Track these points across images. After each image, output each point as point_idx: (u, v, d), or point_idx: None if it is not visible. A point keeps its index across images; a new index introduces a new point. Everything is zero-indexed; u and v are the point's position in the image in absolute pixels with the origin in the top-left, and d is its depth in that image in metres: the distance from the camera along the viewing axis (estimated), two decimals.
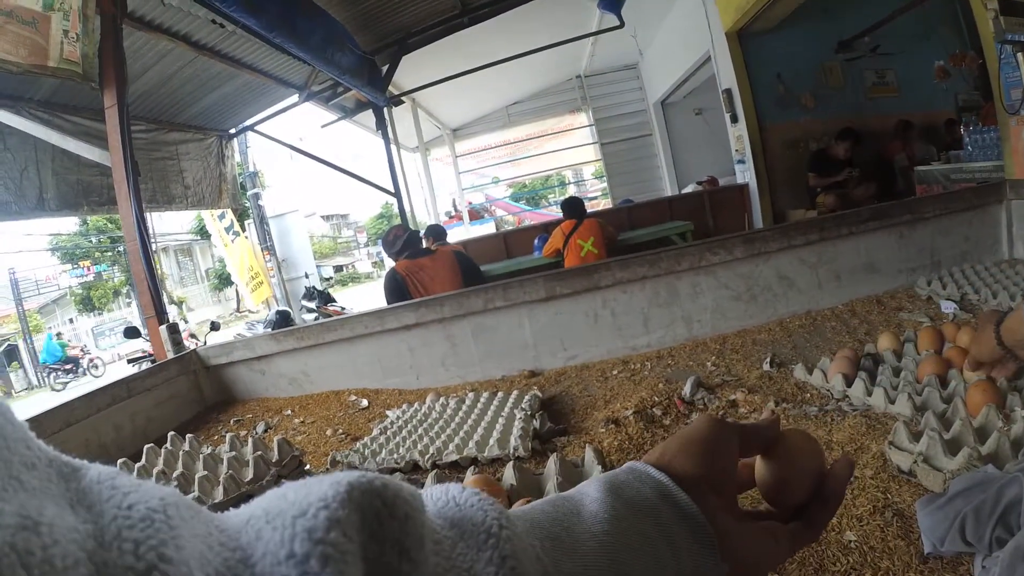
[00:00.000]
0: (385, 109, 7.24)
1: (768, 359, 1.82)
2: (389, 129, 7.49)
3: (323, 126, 7.85)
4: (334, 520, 0.28)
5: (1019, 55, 2.42)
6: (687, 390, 1.68)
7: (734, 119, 6.73)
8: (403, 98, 7.95)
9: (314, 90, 6.76)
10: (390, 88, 6.92)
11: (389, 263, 3.96)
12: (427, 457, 1.56)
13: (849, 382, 1.47)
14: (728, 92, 6.63)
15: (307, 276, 11.70)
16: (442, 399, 2.03)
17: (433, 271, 3.66)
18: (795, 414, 1.41)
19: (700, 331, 2.25)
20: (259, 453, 1.57)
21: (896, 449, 1.10)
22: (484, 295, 2.29)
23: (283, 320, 8.53)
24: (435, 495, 0.40)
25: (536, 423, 1.64)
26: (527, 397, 1.83)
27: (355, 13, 5.30)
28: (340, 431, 2.03)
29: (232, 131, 7.28)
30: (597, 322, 2.27)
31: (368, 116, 7.45)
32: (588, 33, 7.41)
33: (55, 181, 4.89)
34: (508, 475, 1.28)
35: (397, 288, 3.63)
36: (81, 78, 3.04)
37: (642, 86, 10.71)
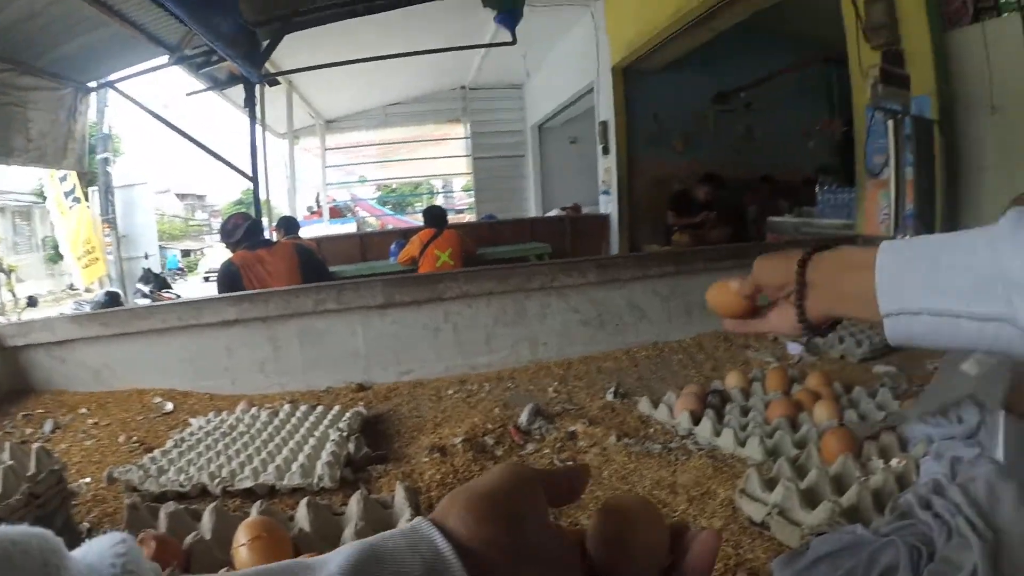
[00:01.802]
0: (257, 86, 6.79)
1: (612, 389, 1.73)
2: (258, 108, 7.04)
3: (188, 94, 7.26)
4: None
5: (889, 122, 2.55)
6: (524, 418, 1.54)
7: (606, 151, 6.89)
8: (279, 79, 7.49)
9: (187, 54, 6.20)
10: (267, 66, 6.50)
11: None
12: (217, 481, 1.31)
13: (696, 420, 1.40)
14: (604, 124, 6.80)
15: (147, 257, 10.71)
16: (254, 410, 1.77)
17: (272, 265, 3.36)
18: (638, 451, 1.31)
19: (545, 354, 2.15)
20: (11, 463, 1.25)
21: (748, 498, 1.01)
22: (315, 295, 2.06)
23: (112, 302, 7.71)
24: (89, 558, 0.32)
25: (351, 447, 1.44)
26: (348, 414, 1.62)
27: None
28: (134, 438, 1.72)
29: (92, 85, 6.51)
30: (437, 336, 2.11)
31: (238, 91, 6.95)
32: (480, 44, 7.35)
33: None
34: (301, 515, 1.05)
35: (231, 281, 3.30)
36: None
37: (523, 107, 10.79)
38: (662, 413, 1.51)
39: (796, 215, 5.16)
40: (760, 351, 2.02)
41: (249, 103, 6.78)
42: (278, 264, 3.39)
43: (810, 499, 0.96)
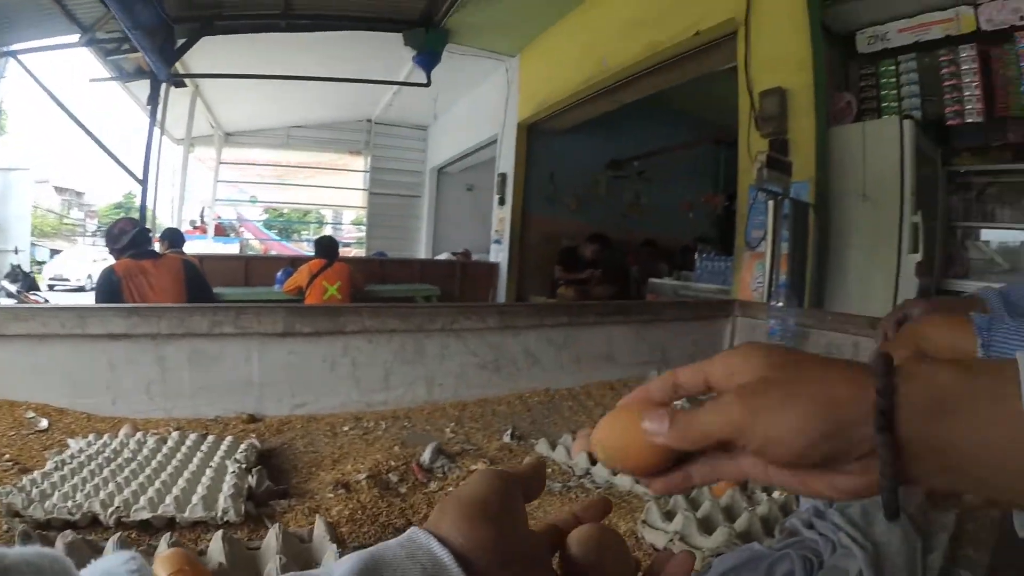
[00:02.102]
0: (164, 84, 6.47)
1: (509, 431, 1.78)
2: (160, 109, 6.70)
3: (92, 80, 6.82)
4: None
5: (770, 203, 2.80)
6: (427, 456, 1.55)
7: (502, 202, 7.09)
8: (186, 81, 7.19)
9: (99, 36, 5.81)
10: (177, 65, 6.24)
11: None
12: (111, 511, 1.21)
13: (593, 460, 1.48)
14: (503, 176, 7.00)
15: (16, 252, 9.76)
16: (139, 434, 1.65)
17: (156, 277, 3.20)
18: None
19: (441, 395, 2.15)
20: None
21: (650, 528, 1.10)
22: (212, 316, 1.95)
23: None
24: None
25: (252, 480, 1.39)
26: (243, 446, 1.55)
27: None
28: (7, 456, 1.56)
29: None
30: (335, 370, 2.06)
31: (143, 87, 6.61)
32: (394, 81, 7.40)
33: None
34: (215, 548, 0.99)
35: (111, 290, 3.12)
36: None
37: (426, 149, 10.93)
38: (560, 454, 1.57)
39: (675, 278, 5.50)
40: None
41: (152, 100, 6.47)
42: (163, 278, 3.23)
43: (706, 526, 1.06)
